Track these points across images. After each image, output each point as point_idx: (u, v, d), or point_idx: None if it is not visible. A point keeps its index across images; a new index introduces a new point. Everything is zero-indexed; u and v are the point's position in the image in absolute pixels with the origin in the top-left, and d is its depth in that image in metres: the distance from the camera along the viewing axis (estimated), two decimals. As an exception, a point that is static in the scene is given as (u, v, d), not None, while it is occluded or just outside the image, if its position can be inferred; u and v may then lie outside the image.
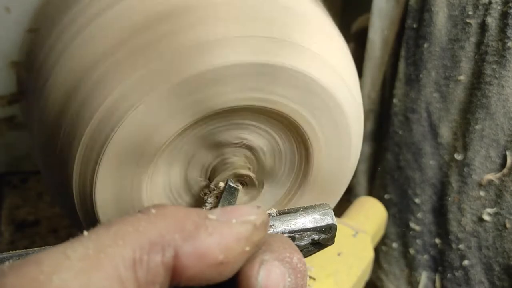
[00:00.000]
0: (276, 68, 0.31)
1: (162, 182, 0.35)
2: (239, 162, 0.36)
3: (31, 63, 0.38)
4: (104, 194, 0.32)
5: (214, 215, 0.21)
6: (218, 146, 0.35)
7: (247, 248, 0.21)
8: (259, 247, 0.22)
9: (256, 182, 0.37)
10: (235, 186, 0.34)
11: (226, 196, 0.33)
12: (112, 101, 0.30)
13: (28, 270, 0.17)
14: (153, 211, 0.20)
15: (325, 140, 0.36)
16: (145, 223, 0.19)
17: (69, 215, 0.38)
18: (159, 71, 0.30)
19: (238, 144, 0.36)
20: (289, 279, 0.21)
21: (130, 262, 0.18)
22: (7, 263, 0.19)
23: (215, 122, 0.34)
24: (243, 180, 0.37)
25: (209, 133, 0.34)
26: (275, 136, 0.36)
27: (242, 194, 0.37)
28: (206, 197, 0.35)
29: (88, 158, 0.31)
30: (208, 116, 0.32)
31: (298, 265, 0.22)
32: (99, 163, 0.31)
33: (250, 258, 0.21)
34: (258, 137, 0.36)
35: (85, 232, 0.19)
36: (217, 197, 0.35)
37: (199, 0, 0.32)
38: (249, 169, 0.37)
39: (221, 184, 0.35)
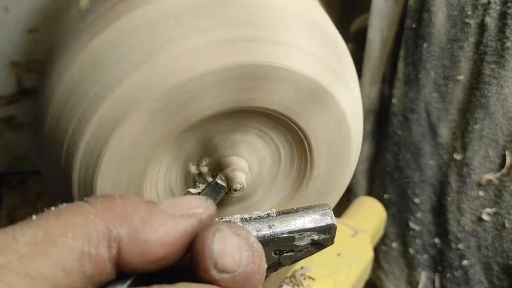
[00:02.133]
0: (260, 68, 0.31)
1: (162, 181, 0.36)
2: (238, 163, 0.36)
3: (36, 62, 0.38)
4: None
5: (162, 205, 0.21)
6: (216, 147, 0.35)
7: (191, 239, 0.21)
8: None
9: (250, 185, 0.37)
10: (223, 184, 0.34)
11: (208, 192, 0.33)
12: (102, 114, 0.30)
13: None
14: (101, 202, 0.20)
15: (325, 140, 0.36)
16: (93, 216, 0.19)
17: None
18: (142, 84, 0.30)
19: (238, 145, 0.36)
20: (245, 254, 0.21)
21: (78, 254, 0.19)
22: None
23: (212, 126, 0.34)
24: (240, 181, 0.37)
25: (208, 135, 0.34)
26: (275, 138, 0.36)
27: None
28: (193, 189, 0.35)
29: (89, 159, 0.32)
30: (200, 121, 0.32)
31: (255, 245, 0.22)
32: (98, 168, 0.31)
33: (206, 228, 0.21)
34: (257, 138, 0.36)
35: (34, 216, 0.19)
36: (200, 192, 0.35)
37: (166, 11, 0.31)
38: (248, 169, 0.37)
39: (209, 180, 0.35)
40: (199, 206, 0.22)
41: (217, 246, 0.20)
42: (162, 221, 0.21)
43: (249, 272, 0.21)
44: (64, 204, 0.20)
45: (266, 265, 0.22)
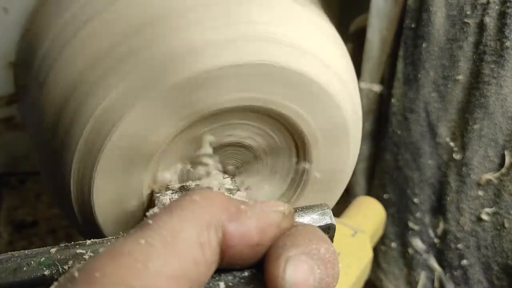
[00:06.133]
0: (268, 67, 0.31)
1: (161, 181, 0.35)
2: (235, 162, 0.36)
3: (28, 63, 0.38)
4: (102, 197, 0.32)
5: (250, 203, 0.23)
6: (215, 146, 0.35)
7: (277, 233, 0.23)
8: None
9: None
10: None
11: None
12: (104, 107, 0.30)
13: (124, 260, 0.18)
14: (198, 196, 0.22)
15: (324, 140, 0.36)
16: (198, 208, 0.21)
17: (67, 217, 0.38)
18: (149, 76, 0.30)
19: (235, 143, 0.36)
20: (318, 271, 0.21)
21: (198, 244, 0.20)
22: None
23: (210, 123, 0.34)
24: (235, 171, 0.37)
25: (205, 134, 0.34)
26: (273, 135, 0.36)
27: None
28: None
29: (85, 161, 0.32)
30: (202, 118, 0.32)
31: (327, 255, 0.22)
32: (96, 166, 0.31)
33: (275, 257, 0.22)
34: (255, 136, 0.36)
35: (149, 220, 0.20)
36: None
37: (183, 4, 0.31)
38: (242, 168, 0.37)
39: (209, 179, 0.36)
40: (280, 205, 0.23)
41: (290, 279, 0.21)
42: (253, 211, 0.22)
43: (324, 286, 0.22)
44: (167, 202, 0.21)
45: (340, 267, 0.23)
